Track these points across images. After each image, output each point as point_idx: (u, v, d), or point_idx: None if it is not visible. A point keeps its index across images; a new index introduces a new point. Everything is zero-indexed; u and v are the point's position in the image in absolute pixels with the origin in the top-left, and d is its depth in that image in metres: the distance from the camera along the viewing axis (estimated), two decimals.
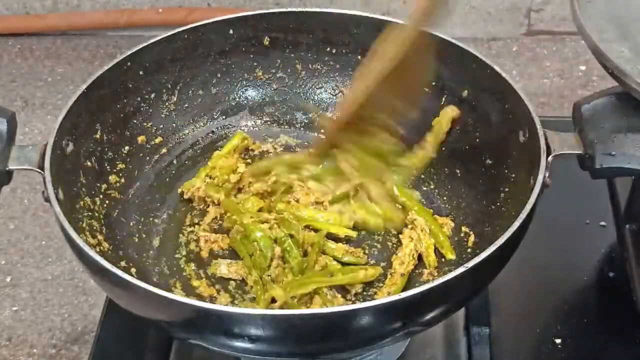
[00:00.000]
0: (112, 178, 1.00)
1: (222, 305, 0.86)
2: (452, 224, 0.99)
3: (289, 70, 1.11)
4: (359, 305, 0.76)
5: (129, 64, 1.01)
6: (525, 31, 1.49)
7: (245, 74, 1.10)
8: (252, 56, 1.09)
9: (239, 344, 0.78)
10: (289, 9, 1.09)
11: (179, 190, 1.05)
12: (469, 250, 0.96)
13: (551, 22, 1.47)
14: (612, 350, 0.99)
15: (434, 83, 1.05)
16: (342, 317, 0.76)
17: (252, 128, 1.11)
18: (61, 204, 0.85)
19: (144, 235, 0.99)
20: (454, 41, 1.01)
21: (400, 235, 0.98)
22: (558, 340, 0.99)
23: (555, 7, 1.45)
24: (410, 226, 0.98)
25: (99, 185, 0.98)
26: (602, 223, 1.11)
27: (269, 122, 1.12)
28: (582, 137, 0.89)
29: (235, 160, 1.06)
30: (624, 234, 1.09)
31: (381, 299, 0.76)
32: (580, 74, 1.41)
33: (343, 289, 0.93)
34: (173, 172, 1.06)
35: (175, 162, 1.07)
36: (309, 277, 0.92)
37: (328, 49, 1.09)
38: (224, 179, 1.04)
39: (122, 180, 1.01)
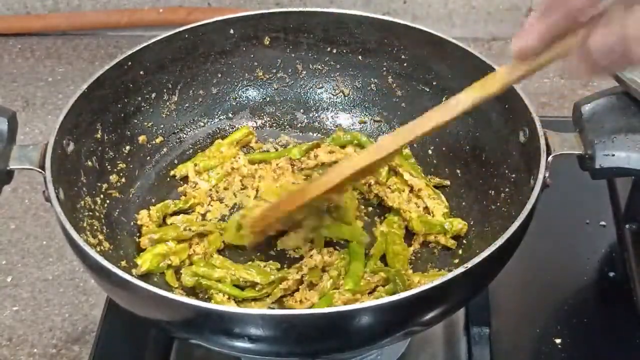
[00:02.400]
0: (113, 178, 1.00)
1: (222, 305, 0.86)
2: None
3: (289, 70, 1.11)
4: (359, 305, 0.76)
5: (129, 63, 1.01)
6: None
7: (246, 74, 1.10)
8: (252, 56, 1.09)
9: (239, 343, 0.79)
10: (290, 9, 1.09)
11: (171, 173, 1.05)
12: (469, 250, 0.96)
13: None
14: (612, 350, 0.99)
15: (434, 83, 1.06)
16: (342, 317, 0.76)
17: (252, 128, 1.11)
18: (62, 204, 0.85)
19: None
20: (454, 41, 1.01)
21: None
22: (558, 340, 0.99)
23: None
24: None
25: (99, 184, 0.98)
26: (602, 223, 1.11)
27: (269, 122, 1.12)
28: (582, 137, 0.89)
29: (235, 152, 1.07)
30: (624, 234, 1.09)
31: (382, 299, 0.76)
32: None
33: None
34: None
35: (176, 161, 1.07)
36: None
37: (328, 49, 1.09)
38: (211, 165, 1.05)
39: (123, 179, 1.01)
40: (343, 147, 1.07)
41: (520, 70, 0.77)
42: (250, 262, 0.96)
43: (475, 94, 0.81)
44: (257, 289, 0.92)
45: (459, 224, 0.97)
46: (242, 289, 0.93)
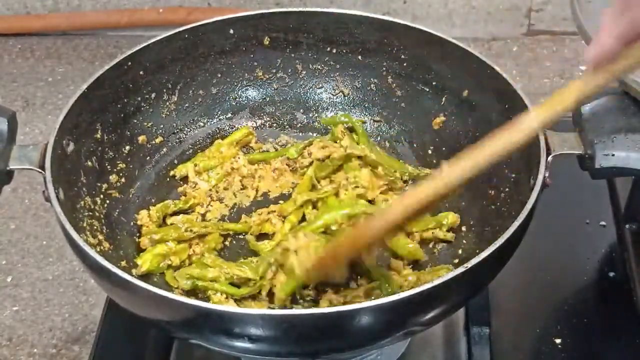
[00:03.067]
0: (113, 178, 1.00)
1: (222, 305, 0.86)
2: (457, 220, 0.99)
3: (289, 70, 1.11)
4: (359, 305, 0.76)
5: (129, 63, 1.01)
6: (525, 31, 1.49)
7: (246, 74, 1.10)
8: (252, 56, 1.09)
9: (239, 343, 0.79)
10: (289, 9, 1.09)
11: (171, 173, 1.05)
12: (469, 249, 0.96)
13: (551, 22, 1.47)
14: (612, 350, 0.99)
15: (434, 83, 1.06)
16: (342, 317, 0.76)
17: (252, 128, 1.11)
18: (62, 204, 0.85)
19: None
20: (454, 41, 1.01)
21: None
22: (558, 340, 0.99)
23: (555, 7, 1.46)
24: None
25: (99, 184, 0.98)
26: (602, 223, 1.11)
27: (269, 122, 1.12)
28: (582, 137, 0.89)
29: (235, 152, 1.07)
30: (624, 234, 1.09)
31: (381, 299, 0.76)
32: (580, 74, 1.41)
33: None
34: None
35: (176, 161, 1.07)
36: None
37: (328, 49, 1.09)
38: (211, 165, 1.05)
39: (123, 179, 1.01)
40: (335, 141, 1.07)
41: (597, 79, 0.73)
42: (242, 259, 0.96)
43: (545, 114, 0.76)
44: (250, 284, 0.92)
45: (452, 217, 0.98)
46: (239, 286, 0.93)
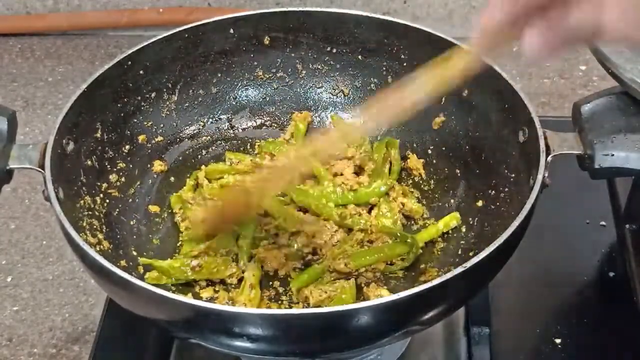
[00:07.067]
0: (113, 177, 1.00)
1: (221, 305, 0.86)
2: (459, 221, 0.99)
3: (289, 70, 1.11)
4: (359, 305, 0.76)
5: (129, 63, 1.01)
6: None
7: (246, 74, 1.10)
8: (252, 56, 1.09)
9: (238, 343, 0.79)
10: (290, 9, 1.09)
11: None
12: (468, 249, 0.96)
13: None
14: (612, 350, 0.99)
15: None
16: (341, 317, 0.76)
17: (252, 128, 1.11)
18: (61, 203, 0.85)
19: (144, 235, 0.99)
20: (454, 41, 1.01)
21: None
22: (558, 340, 1.00)
23: None
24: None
25: (99, 184, 0.98)
26: (602, 223, 1.11)
27: (269, 122, 1.12)
28: (582, 137, 0.89)
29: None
30: (624, 234, 1.09)
31: (381, 299, 0.76)
32: (580, 74, 1.41)
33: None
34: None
35: (175, 161, 1.07)
36: None
37: (328, 48, 1.09)
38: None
39: (123, 179, 1.01)
40: None
41: (481, 47, 0.75)
42: None
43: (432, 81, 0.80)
44: None
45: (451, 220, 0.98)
46: None
